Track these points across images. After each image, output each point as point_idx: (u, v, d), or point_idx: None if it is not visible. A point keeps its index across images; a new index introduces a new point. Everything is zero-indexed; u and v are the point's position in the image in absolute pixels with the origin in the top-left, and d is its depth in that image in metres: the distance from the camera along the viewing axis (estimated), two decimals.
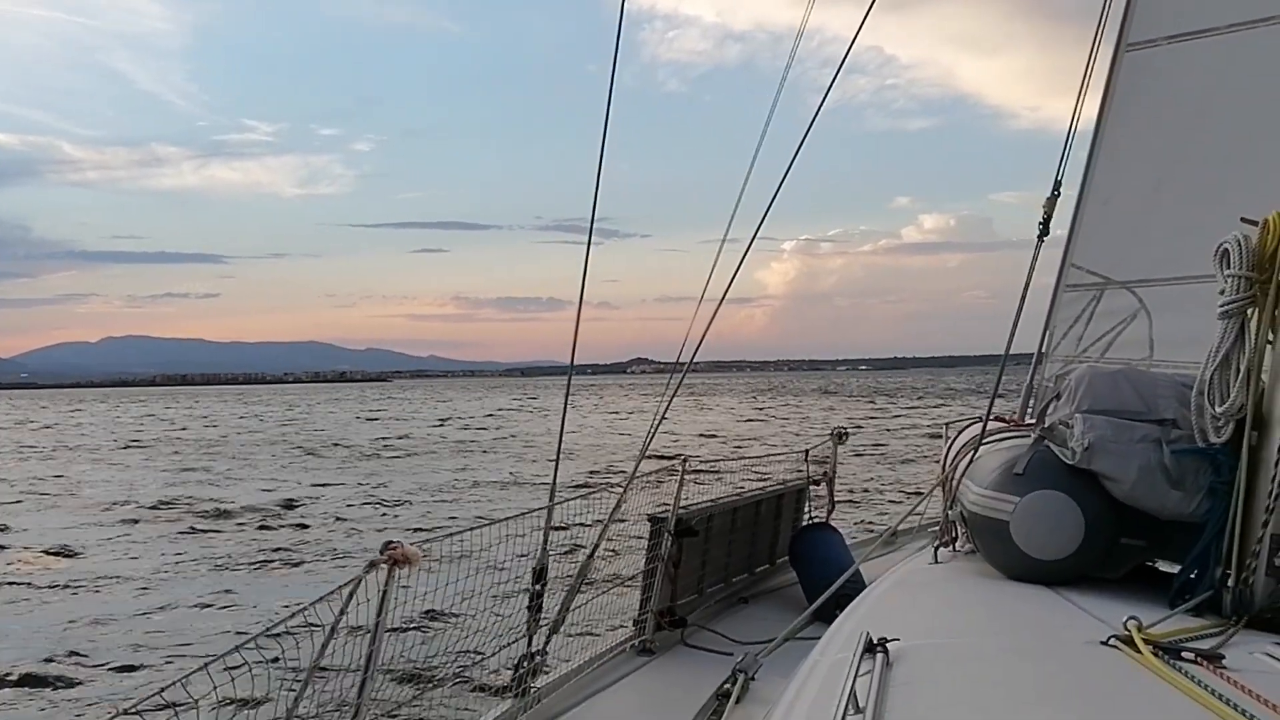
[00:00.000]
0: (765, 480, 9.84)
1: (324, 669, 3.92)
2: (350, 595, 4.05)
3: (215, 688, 3.50)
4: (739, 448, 43.18)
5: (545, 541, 5.92)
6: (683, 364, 6.32)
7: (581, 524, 6.47)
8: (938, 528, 5.57)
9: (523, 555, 5.84)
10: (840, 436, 10.67)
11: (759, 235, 5.82)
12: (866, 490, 28.18)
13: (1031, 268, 5.68)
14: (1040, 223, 6.14)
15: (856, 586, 5.47)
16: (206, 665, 3.50)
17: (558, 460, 5.84)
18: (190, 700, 3.44)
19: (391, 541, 4.36)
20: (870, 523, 20.99)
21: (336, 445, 53.11)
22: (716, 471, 9.44)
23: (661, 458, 8.57)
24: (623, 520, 7.33)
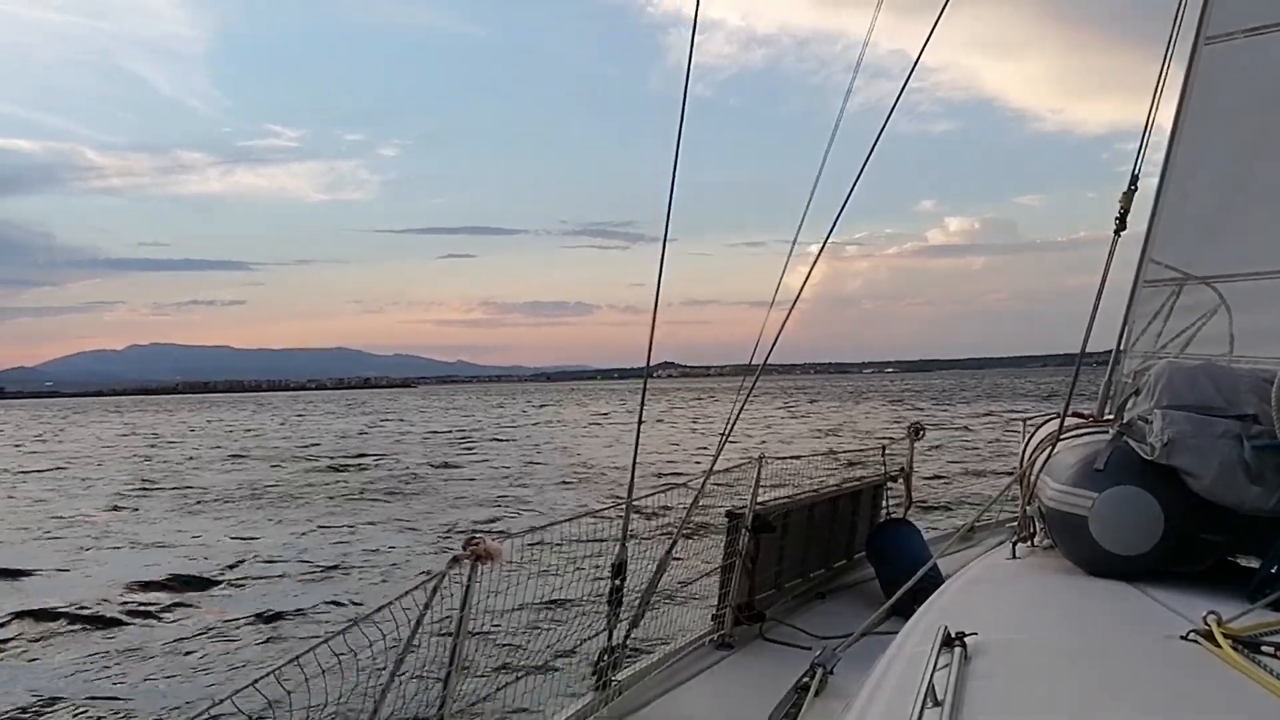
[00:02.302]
0: (843, 476, 9.78)
1: (409, 663, 3.97)
2: (435, 591, 4.09)
3: (306, 679, 3.56)
4: (797, 447, 43.04)
5: (624, 536, 5.93)
6: (755, 366, 6.29)
7: (660, 519, 6.49)
8: (1015, 523, 5.50)
9: (601, 551, 5.87)
10: (917, 432, 10.55)
11: (827, 239, 5.74)
12: (946, 485, 27.82)
13: (1108, 263, 5.54)
14: (1117, 217, 5.99)
15: (934, 581, 5.40)
16: (299, 657, 3.56)
17: (635, 456, 5.84)
18: (283, 694, 3.51)
19: (474, 536, 4.40)
20: (945, 517, 20.70)
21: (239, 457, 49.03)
22: (793, 467, 9.38)
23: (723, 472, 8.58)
24: (702, 515, 7.33)
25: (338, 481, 34.57)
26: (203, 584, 18.05)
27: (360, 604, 15.16)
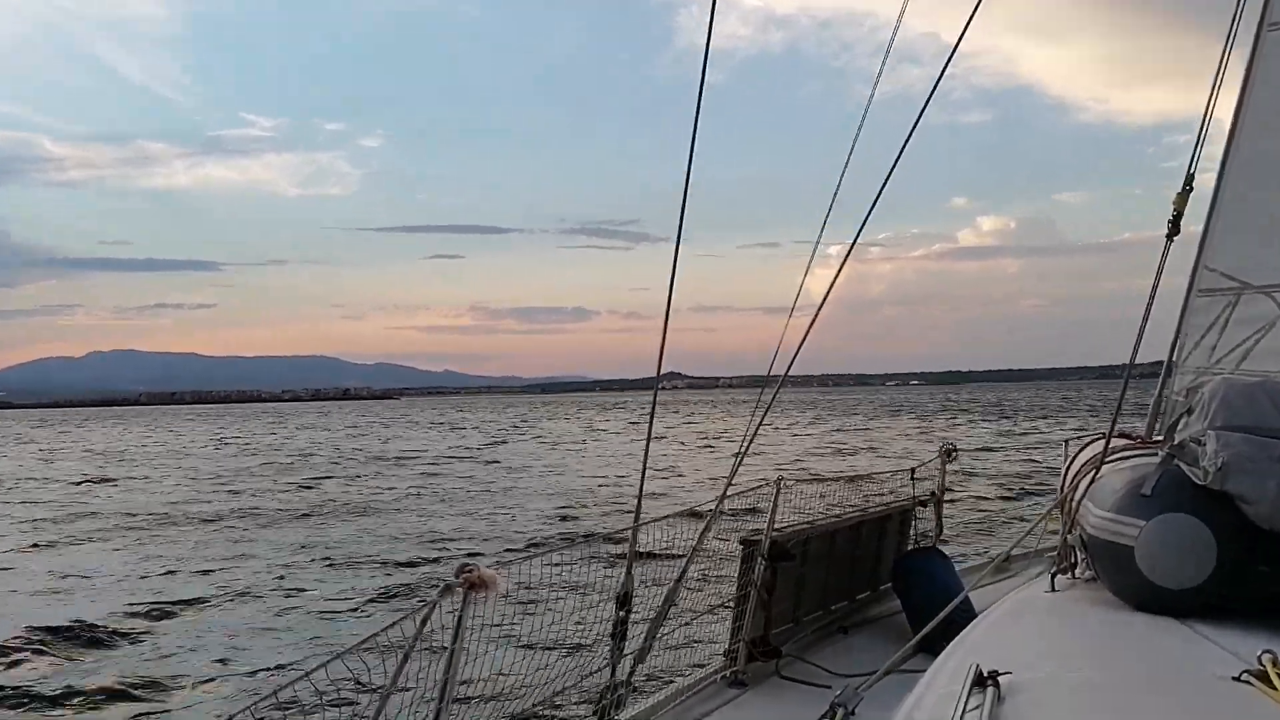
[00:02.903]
0: (867, 500, 9.78)
1: (395, 702, 3.99)
2: (423, 622, 4.11)
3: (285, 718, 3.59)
4: (816, 466, 42.99)
5: (630, 565, 5.94)
6: (775, 377, 6.31)
7: (669, 546, 6.51)
8: (1055, 553, 5.50)
9: (606, 579, 5.89)
10: (949, 453, 10.56)
11: (855, 241, 5.76)
12: (979, 510, 27.79)
13: (1159, 270, 5.58)
14: (1170, 220, 6.01)
15: (966, 615, 5.42)
16: (278, 692, 3.59)
17: (643, 476, 5.87)
18: None
19: (467, 563, 4.42)
20: (978, 545, 20.69)
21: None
22: (814, 490, 9.40)
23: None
24: (720, 540, 7.35)
25: (277, 511, 33.79)
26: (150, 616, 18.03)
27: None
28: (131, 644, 16.43)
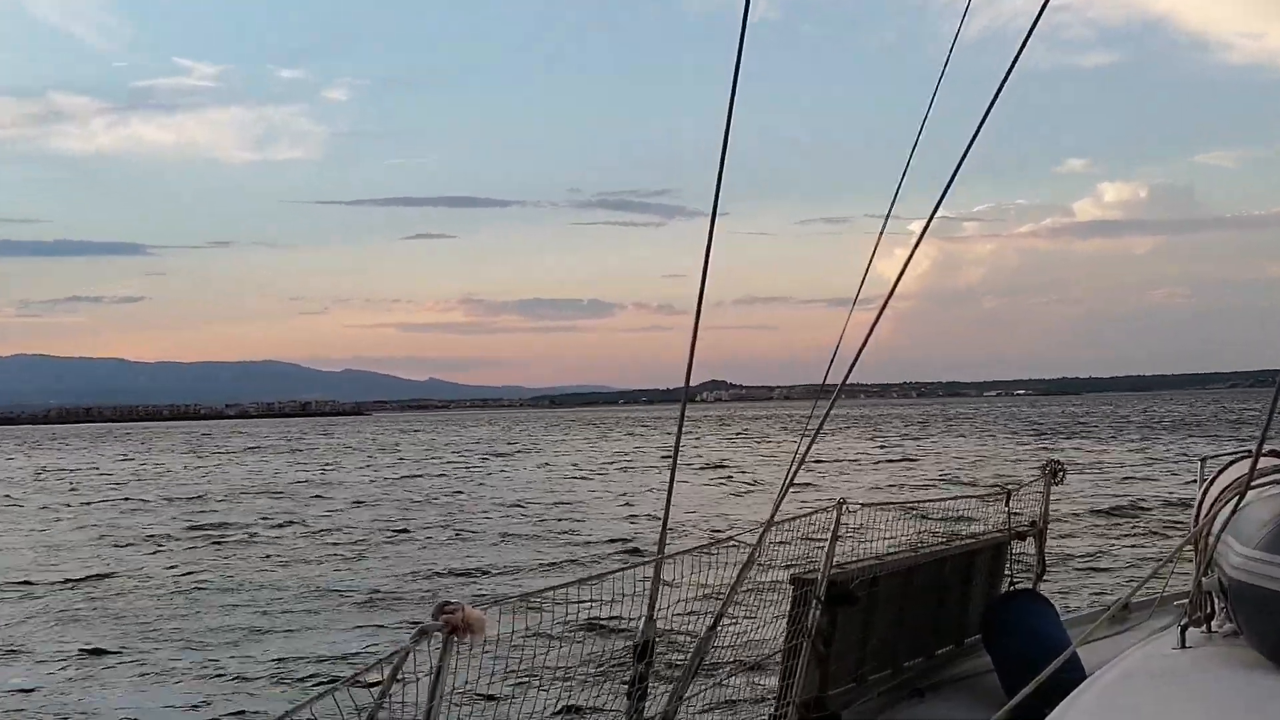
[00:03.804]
0: (951, 531, 9.74)
1: None
2: (394, 673, 4.09)
3: None
4: (889, 493, 42.75)
5: (651, 608, 5.90)
6: (830, 387, 6.27)
7: (701, 585, 6.46)
8: (1185, 600, 5.46)
9: (622, 625, 5.86)
10: (1054, 474, 10.47)
11: (934, 213, 5.68)
12: (1091, 545, 27.67)
13: None
14: None
15: (1073, 677, 5.37)
16: None
17: (669, 499, 5.83)
18: None
19: (448, 603, 4.39)
20: (1090, 589, 20.59)
21: None
22: (884, 517, 9.34)
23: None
24: (765, 577, 7.30)
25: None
26: None
27: None
28: None
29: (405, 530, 38.10)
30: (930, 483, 49.84)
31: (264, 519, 44.01)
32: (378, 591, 26.27)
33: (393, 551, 33.31)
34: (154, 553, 34.98)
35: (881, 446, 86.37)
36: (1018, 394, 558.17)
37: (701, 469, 64.04)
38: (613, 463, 77.11)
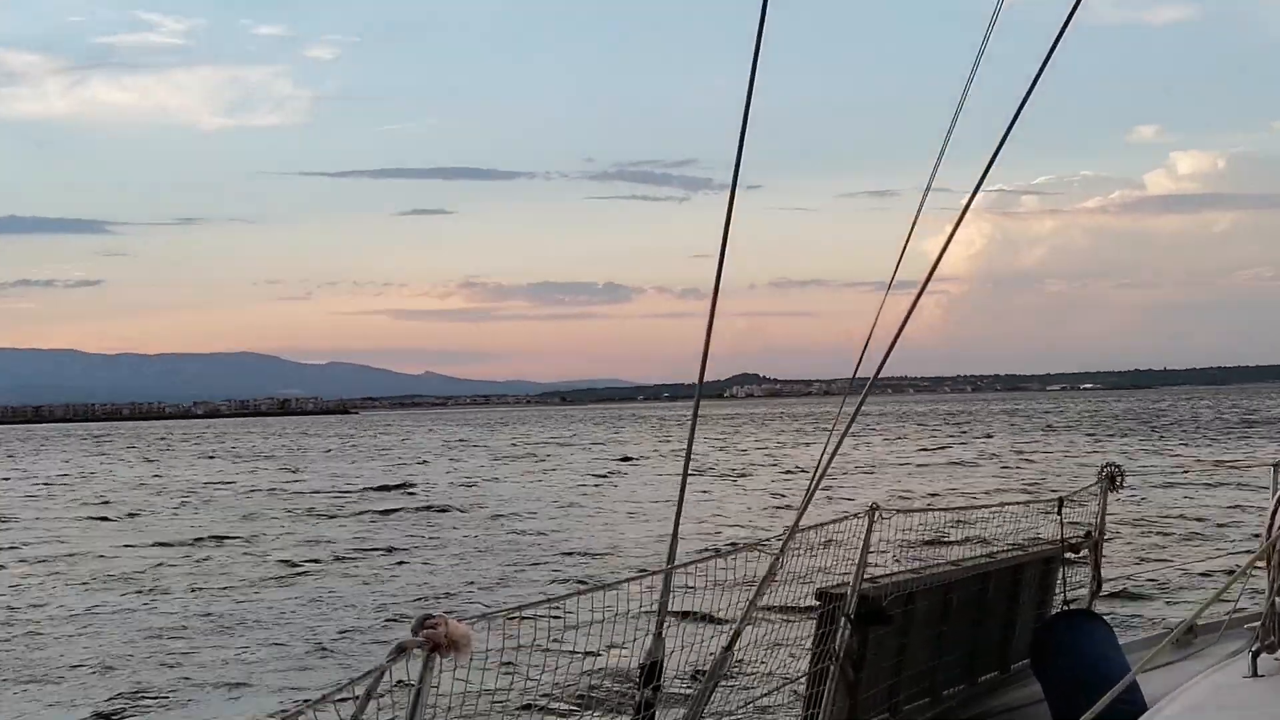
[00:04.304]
0: (996, 542, 9.73)
1: None
2: (368, 696, 4.07)
3: None
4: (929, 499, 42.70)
5: (660, 625, 5.89)
6: (861, 381, 6.25)
7: (715, 600, 6.44)
8: (1258, 623, 5.45)
9: (627, 643, 5.83)
10: (1112, 479, 10.47)
11: (979, 185, 5.65)
12: (1153, 559, 27.64)
13: None
14: None
15: (1133, 708, 5.36)
16: None
17: (680, 506, 5.80)
18: None
19: (430, 616, 4.36)
20: (1150, 609, 20.58)
21: None
22: (922, 524, 9.31)
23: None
24: (788, 592, 7.27)
25: None
26: None
27: None
28: None
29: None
30: (977, 489, 49.78)
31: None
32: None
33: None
34: None
35: (923, 448, 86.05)
36: (1084, 388, 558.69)
37: (722, 476, 63.67)
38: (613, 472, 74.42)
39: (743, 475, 64.73)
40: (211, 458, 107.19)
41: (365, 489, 61.38)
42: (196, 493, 62.28)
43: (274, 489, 64.05)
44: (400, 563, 32.81)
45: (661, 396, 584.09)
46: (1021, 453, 76.87)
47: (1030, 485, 48.51)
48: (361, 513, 47.81)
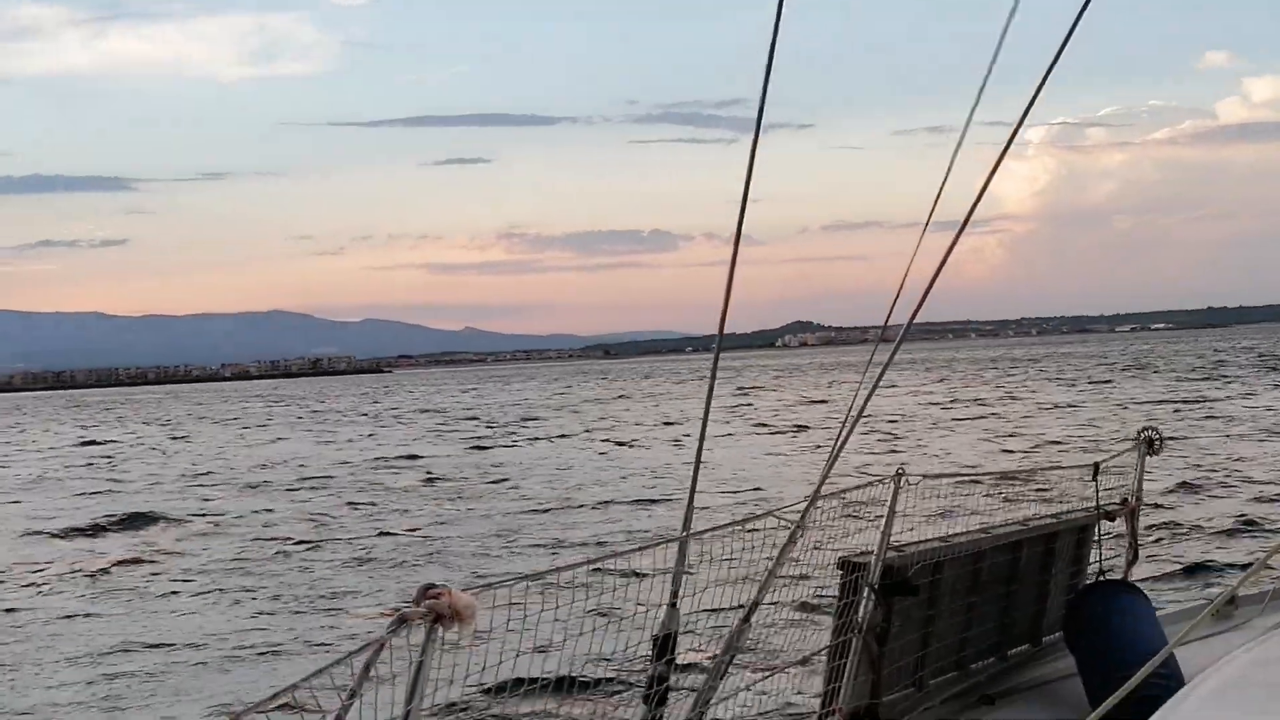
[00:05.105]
0: (1029, 510, 9.71)
1: None
2: (367, 668, 4.06)
3: None
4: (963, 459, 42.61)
5: (676, 595, 5.89)
6: (893, 330, 6.24)
7: (733, 569, 6.43)
8: None
9: (640, 614, 5.82)
10: (1150, 444, 10.45)
11: (1025, 115, 5.61)
12: (1194, 526, 27.59)
13: None
14: None
15: (1171, 683, 5.34)
16: None
17: (696, 469, 5.78)
18: None
19: (433, 585, 4.36)
20: (1188, 581, 20.58)
21: None
22: (951, 490, 9.30)
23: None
24: (809, 561, 7.27)
25: None
26: None
27: None
28: None
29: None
30: (1017, 448, 49.36)
31: None
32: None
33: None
34: None
35: (954, 400, 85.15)
36: (1155, 328, 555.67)
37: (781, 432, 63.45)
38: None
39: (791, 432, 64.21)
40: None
41: None
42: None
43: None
44: None
45: (711, 348, 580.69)
46: (1075, 404, 75.99)
47: (1069, 447, 48.16)
48: None
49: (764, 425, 68.87)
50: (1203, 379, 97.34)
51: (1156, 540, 24.19)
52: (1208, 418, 59.25)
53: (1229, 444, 46.27)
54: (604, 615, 5.77)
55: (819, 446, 50.31)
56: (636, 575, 6.17)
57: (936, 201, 6.78)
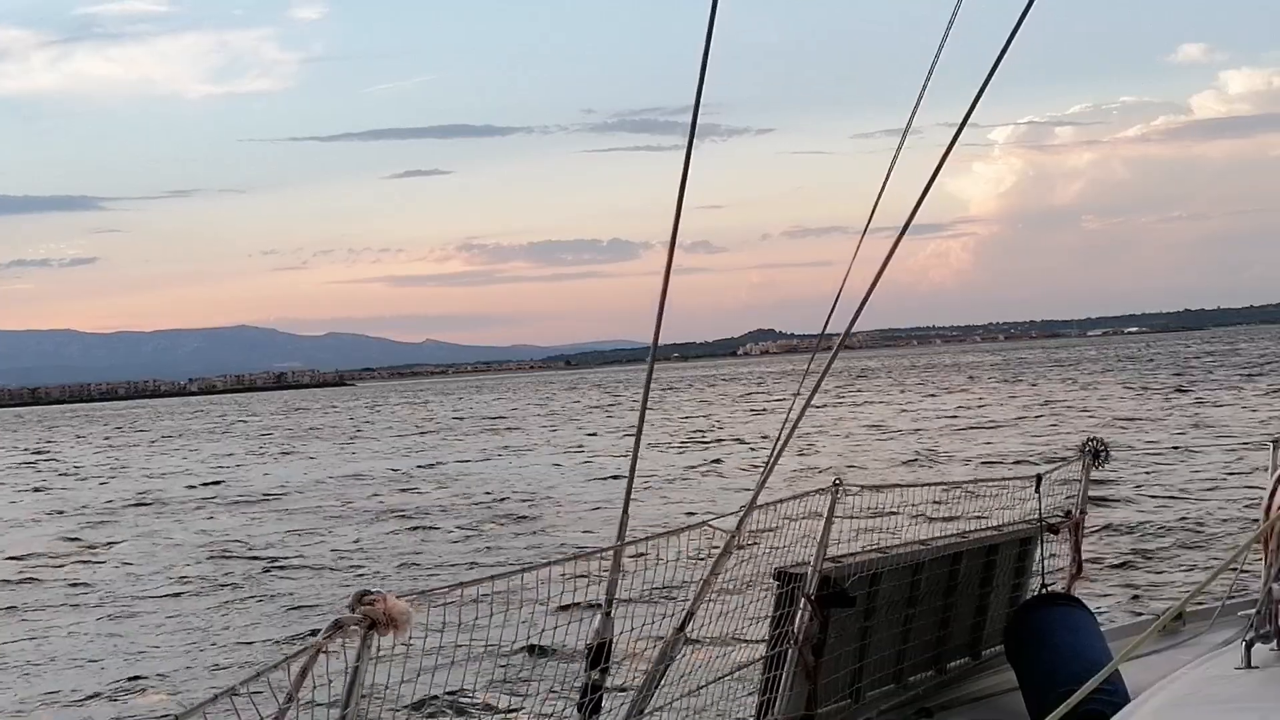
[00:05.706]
0: (969, 521, 9.77)
1: None
2: (302, 674, 4.13)
3: None
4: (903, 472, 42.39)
5: (609, 603, 5.95)
6: (831, 337, 6.34)
7: (667, 579, 6.50)
8: (1252, 610, 5.51)
9: (572, 623, 5.90)
10: (1095, 454, 10.49)
11: (970, 112, 5.72)
12: (1142, 540, 27.63)
13: None
14: None
15: (1115, 700, 5.46)
16: None
17: (631, 478, 5.89)
18: None
19: (368, 591, 4.43)
20: (1133, 595, 20.67)
21: None
22: (889, 501, 9.39)
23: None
24: (745, 571, 7.32)
25: None
26: None
27: None
28: None
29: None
30: (963, 458, 49.03)
31: None
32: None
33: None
34: None
35: (903, 409, 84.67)
36: (1129, 332, 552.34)
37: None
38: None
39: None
40: None
41: None
42: None
43: None
44: None
45: (671, 357, 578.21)
46: (1030, 412, 75.62)
47: (1023, 458, 48.01)
48: None
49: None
50: (1162, 386, 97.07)
51: (1101, 554, 24.23)
52: (1159, 426, 59.21)
53: (1180, 455, 46.32)
54: (537, 624, 5.84)
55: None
56: (573, 582, 6.24)
57: (875, 207, 6.83)
